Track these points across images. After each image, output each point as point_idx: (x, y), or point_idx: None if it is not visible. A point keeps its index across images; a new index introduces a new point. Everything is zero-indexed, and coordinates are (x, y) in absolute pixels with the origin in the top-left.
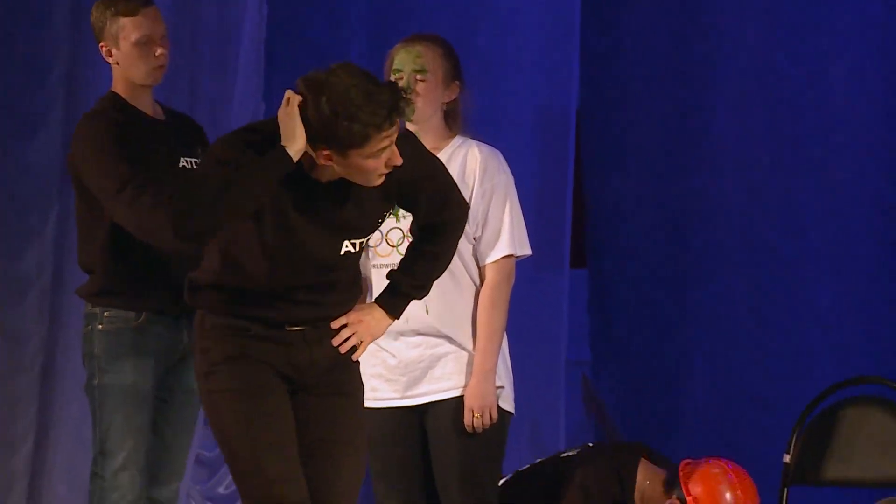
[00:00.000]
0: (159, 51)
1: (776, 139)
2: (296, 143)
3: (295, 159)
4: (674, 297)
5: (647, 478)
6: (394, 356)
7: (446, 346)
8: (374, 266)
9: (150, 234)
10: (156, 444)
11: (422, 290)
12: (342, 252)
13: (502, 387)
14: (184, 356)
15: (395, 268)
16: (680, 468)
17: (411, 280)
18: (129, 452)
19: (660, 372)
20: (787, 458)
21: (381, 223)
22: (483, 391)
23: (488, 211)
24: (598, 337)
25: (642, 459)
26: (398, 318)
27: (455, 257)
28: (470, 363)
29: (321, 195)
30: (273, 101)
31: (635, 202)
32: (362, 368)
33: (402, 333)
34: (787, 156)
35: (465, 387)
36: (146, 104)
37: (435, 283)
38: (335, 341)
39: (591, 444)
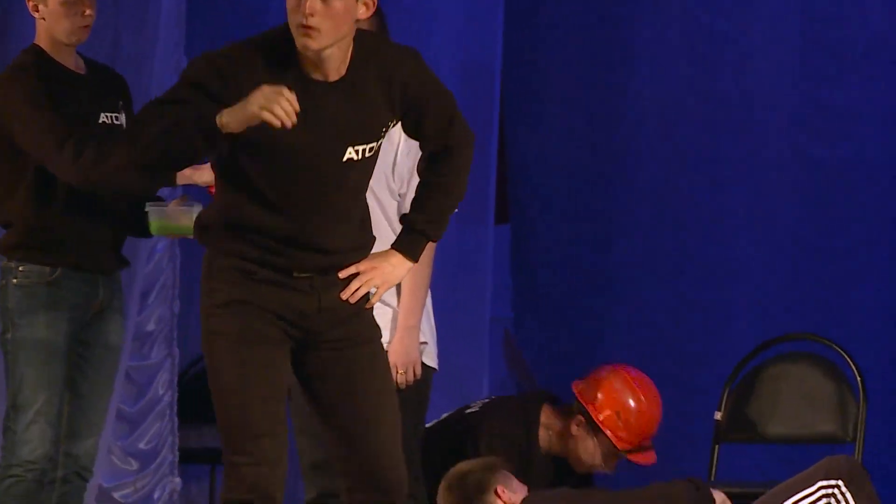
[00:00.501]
0: (87, 11)
1: (697, 94)
2: (235, 116)
3: (224, 130)
4: (596, 252)
5: (550, 421)
6: None
7: None
8: None
9: (96, 186)
10: (74, 400)
11: (436, 227)
12: (344, 158)
13: (426, 343)
14: (101, 311)
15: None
16: (573, 387)
17: (424, 216)
18: (40, 406)
19: (582, 327)
20: (718, 416)
21: (384, 134)
22: (407, 347)
23: (413, 167)
24: (520, 292)
25: (545, 405)
26: (416, 262)
27: (379, 214)
28: (394, 319)
29: (321, 94)
30: (195, 55)
31: (557, 158)
32: None
33: None
34: (708, 110)
35: (388, 343)
36: (68, 59)
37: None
38: (344, 294)
39: (493, 397)
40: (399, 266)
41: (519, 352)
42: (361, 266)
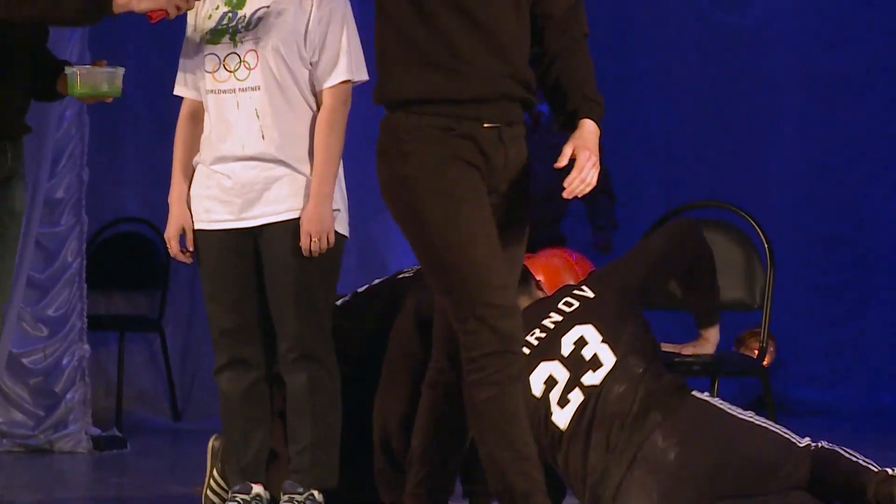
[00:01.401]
0: None
1: None
2: None
3: None
4: None
5: None
6: (229, 178)
7: (281, 169)
8: (209, 92)
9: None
10: None
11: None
12: None
13: (338, 210)
14: (8, 178)
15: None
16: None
17: (590, 84)
18: None
19: None
20: None
21: None
22: (320, 215)
23: (326, 35)
24: None
25: None
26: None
27: (290, 81)
28: (306, 187)
29: None
30: None
31: None
32: (197, 191)
33: (238, 158)
34: None
35: (301, 210)
36: None
37: (270, 107)
38: (575, 188)
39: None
40: (597, 136)
41: None
42: (580, 154)
